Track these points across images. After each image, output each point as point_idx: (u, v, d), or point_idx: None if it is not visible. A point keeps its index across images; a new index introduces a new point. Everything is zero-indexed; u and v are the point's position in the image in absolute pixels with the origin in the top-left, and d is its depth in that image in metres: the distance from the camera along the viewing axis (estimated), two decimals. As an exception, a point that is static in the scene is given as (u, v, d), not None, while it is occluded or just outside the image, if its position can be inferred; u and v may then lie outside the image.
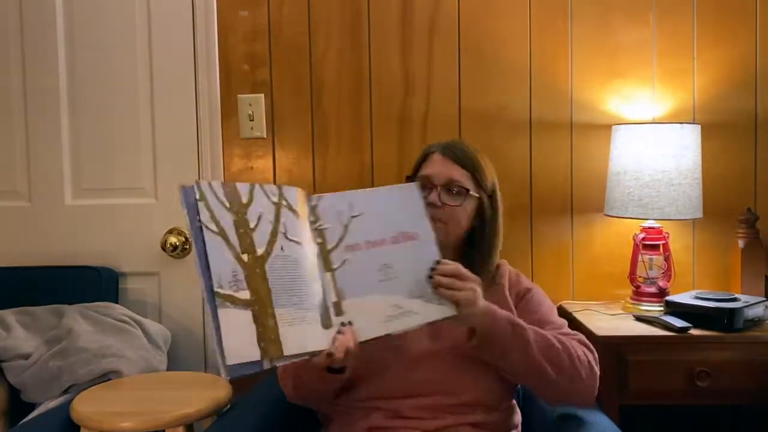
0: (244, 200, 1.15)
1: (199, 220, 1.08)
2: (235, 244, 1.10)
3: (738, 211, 1.91)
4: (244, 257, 1.10)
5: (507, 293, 1.44)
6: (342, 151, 2.06)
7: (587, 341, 1.35)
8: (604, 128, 1.98)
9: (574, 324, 1.86)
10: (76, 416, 1.52)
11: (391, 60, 2.04)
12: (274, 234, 1.15)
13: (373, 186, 2.05)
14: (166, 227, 2.08)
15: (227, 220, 1.11)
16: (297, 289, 1.14)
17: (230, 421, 1.51)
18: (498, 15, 2.02)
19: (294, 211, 1.19)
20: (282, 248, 1.14)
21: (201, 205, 1.09)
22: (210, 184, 1.12)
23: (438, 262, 1.22)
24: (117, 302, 2.01)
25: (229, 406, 1.63)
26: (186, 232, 2.07)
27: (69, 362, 1.73)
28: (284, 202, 1.19)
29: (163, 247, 2.05)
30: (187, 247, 2.08)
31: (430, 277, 1.21)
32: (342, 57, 2.05)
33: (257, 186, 1.17)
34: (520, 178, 2.02)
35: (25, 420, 1.62)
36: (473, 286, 1.21)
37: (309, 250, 1.18)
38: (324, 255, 1.20)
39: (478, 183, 1.43)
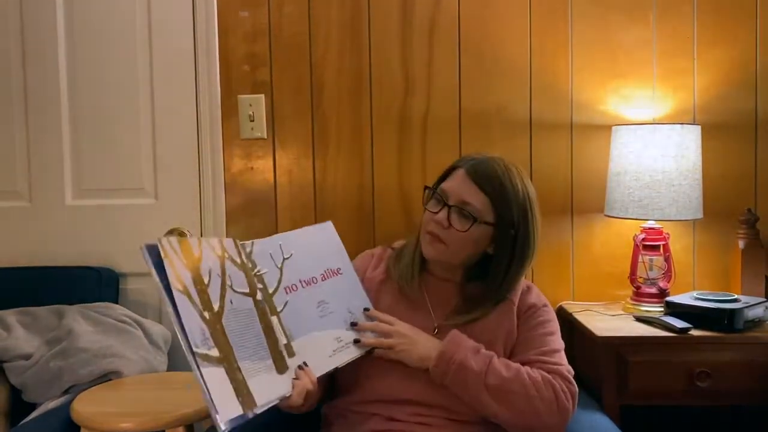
0: (196, 255, 1.15)
1: (167, 279, 1.08)
2: (197, 302, 1.10)
3: (738, 212, 1.91)
4: (206, 314, 1.10)
5: (514, 310, 1.39)
6: (342, 151, 2.06)
7: (568, 375, 1.30)
8: (604, 129, 1.98)
9: (574, 325, 1.86)
10: (76, 416, 1.52)
11: (391, 60, 2.04)
12: (223, 288, 1.16)
13: (373, 186, 2.05)
14: (167, 227, 2.08)
15: (188, 278, 1.11)
16: (251, 340, 1.16)
17: (230, 422, 1.51)
18: (498, 16, 2.02)
19: (235, 262, 1.21)
20: (231, 302, 1.16)
21: (166, 263, 1.09)
22: (169, 241, 1.11)
23: (366, 309, 1.35)
24: (117, 302, 2.01)
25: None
26: (187, 233, 2.07)
27: (69, 362, 1.73)
28: (226, 255, 1.20)
29: (164, 248, 2.05)
30: (188, 247, 2.07)
31: (354, 324, 1.32)
32: (342, 57, 2.05)
33: (203, 240, 1.18)
34: (521, 178, 2.02)
35: (25, 420, 1.63)
36: (398, 338, 1.30)
37: (255, 298, 1.21)
38: (267, 299, 1.22)
39: (499, 211, 1.33)
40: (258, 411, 1.10)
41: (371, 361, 1.32)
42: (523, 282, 1.44)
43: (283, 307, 1.23)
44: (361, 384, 1.35)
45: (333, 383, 1.41)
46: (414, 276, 1.41)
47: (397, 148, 2.05)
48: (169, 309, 1.06)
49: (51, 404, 1.69)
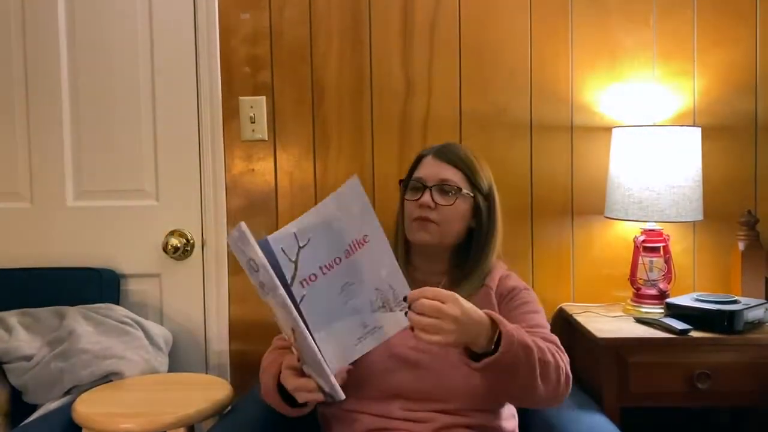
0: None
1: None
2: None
3: (738, 214, 1.92)
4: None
5: (492, 295, 1.42)
6: (343, 153, 2.07)
7: (560, 345, 1.30)
8: (604, 131, 1.99)
9: (574, 326, 1.86)
10: (77, 417, 1.52)
11: (391, 62, 2.04)
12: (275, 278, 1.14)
13: (374, 188, 2.06)
14: (168, 229, 2.08)
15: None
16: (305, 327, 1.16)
17: (232, 423, 1.51)
18: (498, 18, 2.02)
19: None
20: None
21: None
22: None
23: (406, 299, 1.13)
24: (118, 304, 2.02)
25: (230, 407, 1.63)
26: (187, 234, 2.07)
27: (70, 363, 1.74)
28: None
29: (165, 249, 2.06)
30: (189, 249, 2.08)
31: (406, 313, 1.12)
32: (343, 59, 2.05)
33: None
34: (521, 180, 2.02)
35: (26, 421, 1.63)
36: (451, 322, 1.09)
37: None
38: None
39: (473, 183, 1.43)
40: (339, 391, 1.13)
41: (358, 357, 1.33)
42: (503, 269, 1.49)
43: (300, 301, 1.16)
44: (349, 383, 1.35)
45: None
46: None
47: (398, 149, 2.06)
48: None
49: (52, 405, 1.70)
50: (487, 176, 1.47)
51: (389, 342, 1.31)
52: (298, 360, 1.19)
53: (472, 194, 1.43)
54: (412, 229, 1.42)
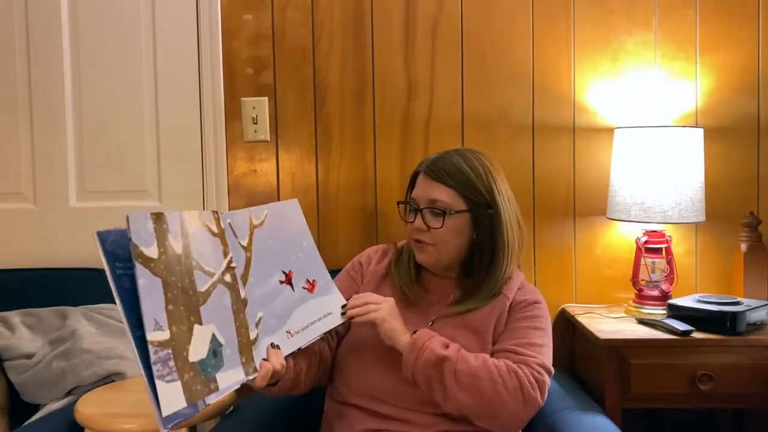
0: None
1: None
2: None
3: (740, 215, 1.92)
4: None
5: (507, 304, 1.40)
6: (345, 154, 2.07)
7: (536, 366, 1.29)
8: (606, 132, 1.99)
9: (576, 327, 1.86)
10: (79, 417, 1.52)
11: (394, 64, 2.05)
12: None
13: (375, 189, 2.06)
14: (170, 230, 2.08)
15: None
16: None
17: (234, 423, 1.51)
18: (501, 19, 2.02)
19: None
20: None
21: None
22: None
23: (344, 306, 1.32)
24: (121, 304, 2.02)
25: (232, 408, 1.63)
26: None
27: (73, 363, 1.74)
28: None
29: (167, 250, 2.06)
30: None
31: (343, 313, 1.31)
32: (345, 60, 2.06)
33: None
34: (523, 181, 2.02)
35: (29, 421, 1.63)
36: (380, 307, 1.30)
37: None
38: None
39: (467, 197, 1.37)
40: (212, 400, 1.03)
41: (361, 354, 1.35)
42: (521, 280, 1.46)
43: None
44: (346, 379, 1.37)
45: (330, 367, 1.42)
46: (412, 280, 1.45)
47: (400, 151, 2.06)
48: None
49: (54, 405, 1.70)
50: (485, 183, 1.38)
51: (383, 347, 1.33)
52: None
53: (465, 209, 1.37)
54: (414, 250, 1.42)
